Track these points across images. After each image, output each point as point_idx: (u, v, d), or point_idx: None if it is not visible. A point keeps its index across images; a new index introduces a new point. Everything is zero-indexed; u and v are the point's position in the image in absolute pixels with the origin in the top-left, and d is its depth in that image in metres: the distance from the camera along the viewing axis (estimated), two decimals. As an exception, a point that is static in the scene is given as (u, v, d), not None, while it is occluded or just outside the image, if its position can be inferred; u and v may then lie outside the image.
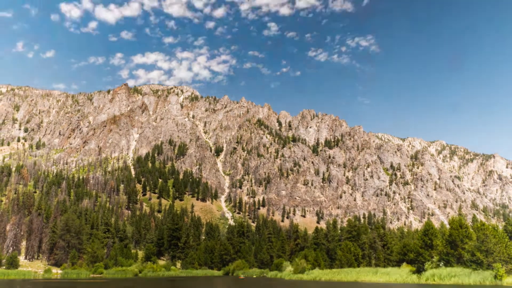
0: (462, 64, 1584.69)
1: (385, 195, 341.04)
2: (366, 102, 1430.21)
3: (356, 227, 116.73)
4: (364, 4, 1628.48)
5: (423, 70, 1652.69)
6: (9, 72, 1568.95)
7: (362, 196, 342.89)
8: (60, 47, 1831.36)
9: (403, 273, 71.33)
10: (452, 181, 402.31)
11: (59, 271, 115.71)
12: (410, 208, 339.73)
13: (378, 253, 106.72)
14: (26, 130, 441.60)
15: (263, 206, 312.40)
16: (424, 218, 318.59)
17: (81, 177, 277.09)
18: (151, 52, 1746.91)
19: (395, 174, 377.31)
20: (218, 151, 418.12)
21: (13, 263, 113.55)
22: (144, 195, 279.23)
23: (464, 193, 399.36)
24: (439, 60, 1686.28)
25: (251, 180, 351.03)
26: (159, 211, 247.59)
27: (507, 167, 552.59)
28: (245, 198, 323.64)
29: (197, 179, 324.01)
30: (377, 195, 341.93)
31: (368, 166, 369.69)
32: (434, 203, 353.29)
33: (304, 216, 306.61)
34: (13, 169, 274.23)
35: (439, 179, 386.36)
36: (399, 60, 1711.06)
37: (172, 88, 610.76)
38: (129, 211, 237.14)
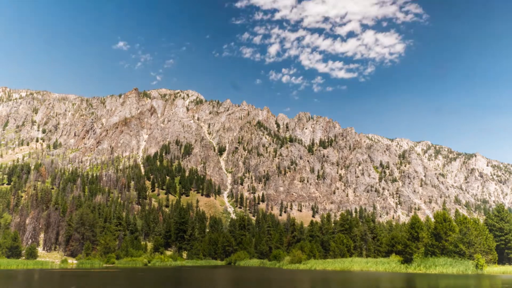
0: (446, 70, 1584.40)
1: (375, 191, 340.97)
2: (358, 105, 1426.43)
3: (348, 221, 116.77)
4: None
5: (411, 74, 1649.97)
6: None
7: (354, 192, 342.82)
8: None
9: (391, 263, 71.49)
10: (437, 178, 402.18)
11: (75, 261, 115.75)
12: (398, 203, 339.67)
13: (368, 245, 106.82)
14: (44, 131, 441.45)
15: (263, 201, 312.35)
16: (411, 212, 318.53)
17: (94, 175, 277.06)
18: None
19: (384, 172, 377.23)
20: (221, 151, 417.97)
21: (32, 254, 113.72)
22: (153, 191, 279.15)
23: (448, 189, 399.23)
24: (425, 65, 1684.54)
25: (251, 177, 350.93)
26: (166, 206, 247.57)
27: (487, 165, 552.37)
28: (246, 194, 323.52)
29: (202, 177, 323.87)
30: (367, 191, 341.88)
31: (359, 165, 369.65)
32: (420, 199, 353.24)
33: (300, 211, 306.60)
34: (32, 167, 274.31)
35: (424, 176, 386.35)
36: (390, 64, 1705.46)
37: (178, 92, 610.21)
38: (139, 206, 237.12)
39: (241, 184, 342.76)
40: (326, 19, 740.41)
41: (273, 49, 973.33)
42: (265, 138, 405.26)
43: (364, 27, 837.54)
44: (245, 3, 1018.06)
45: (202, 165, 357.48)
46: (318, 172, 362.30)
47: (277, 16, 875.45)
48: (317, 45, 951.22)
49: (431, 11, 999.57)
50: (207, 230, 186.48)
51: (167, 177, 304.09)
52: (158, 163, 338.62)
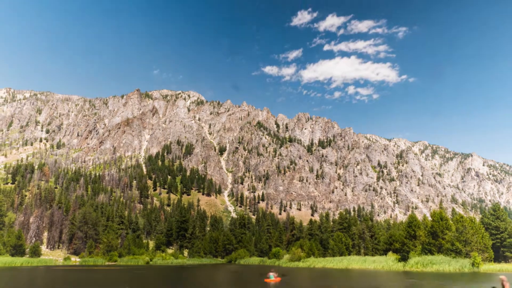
0: (442, 72, 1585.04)
1: (373, 190, 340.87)
2: (356, 106, 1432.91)
3: (347, 219, 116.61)
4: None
5: (408, 77, 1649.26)
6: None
7: (352, 191, 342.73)
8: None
9: (389, 261, 71.36)
10: (434, 178, 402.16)
11: (78, 259, 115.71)
12: (395, 202, 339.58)
13: (366, 243, 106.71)
14: (47, 132, 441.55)
15: (263, 200, 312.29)
16: (408, 211, 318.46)
17: (97, 174, 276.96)
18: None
19: (382, 171, 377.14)
20: (221, 151, 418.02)
21: (36, 252, 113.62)
22: (154, 190, 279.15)
23: (444, 189, 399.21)
24: (422, 68, 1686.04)
25: (251, 177, 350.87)
26: (168, 205, 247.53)
27: (483, 165, 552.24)
28: (246, 193, 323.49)
29: (203, 176, 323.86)
30: (365, 190, 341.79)
31: (357, 164, 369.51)
32: (418, 198, 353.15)
33: (299, 210, 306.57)
34: (36, 166, 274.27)
35: (422, 175, 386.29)
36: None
37: (179, 93, 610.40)
38: (141, 205, 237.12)
39: (241, 183, 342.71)
40: (317, 81, 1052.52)
41: (280, 99, 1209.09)
42: (265, 138, 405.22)
43: (346, 84, 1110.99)
44: (259, 72, 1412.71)
45: (203, 164, 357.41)
46: (317, 172, 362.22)
47: (283, 80, 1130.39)
48: (312, 96, 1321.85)
49: (398, 71, 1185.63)
50: (208, 228, 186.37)
51: (169, 177, 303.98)
52: (160, 162, 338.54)
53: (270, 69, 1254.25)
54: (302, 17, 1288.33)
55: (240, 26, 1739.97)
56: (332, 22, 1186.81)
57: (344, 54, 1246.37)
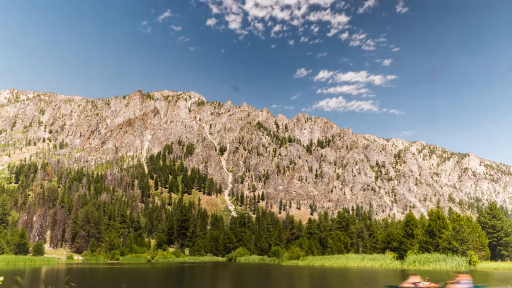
0: (440, 74, 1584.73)
1: (371, 189, 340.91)
2: (355, 106, 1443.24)
3: (345, 218, 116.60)
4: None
5: (406, 78, 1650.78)
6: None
7: (351, 190, 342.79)
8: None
9: (387, 259, 71.42)
10: (431, 177, 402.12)
11: (80, 258, 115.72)
12: (393, 201, 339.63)
13: (365, 242, 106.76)
14: (50, 132, 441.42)
15: (262, 199, 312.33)
16: (406, 210, 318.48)
17: (99, 174, 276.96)
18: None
19: (380, 171, 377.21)
20: (222, 151, 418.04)
21: (39, 251, 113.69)
22: (156, 189, 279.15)
23: (442, 188, 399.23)
24: (420, 69, 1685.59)
25: (251, 176, 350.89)
26: (169, 204, 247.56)
27: (480, 165, 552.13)
28: (246, 193, 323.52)
29: (204, 176, 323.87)
30: (364, 190, 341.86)
31: (356, 164, 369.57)
32: (415, 197, 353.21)
33: (299, 209, 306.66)
34: (39, 166, 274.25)
35: (419, 175, 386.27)
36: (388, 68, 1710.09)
37: (181, 94, 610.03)
38: (143, 204, 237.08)
39: (242, 183, 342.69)
40: (313, 106, 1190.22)
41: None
42: (265, 138, 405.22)
43: (336, 115, 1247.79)
44: (265, 109, 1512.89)
45: (204, 164, 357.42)
46: (316, 171, 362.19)
47: (281, 111, 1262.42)
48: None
49: (378, 106, 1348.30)
50: (209, 227, 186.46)
51: (170, 176, 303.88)
52: (161, 162, 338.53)
53: (275, 107, 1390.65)
54: (300, 73, 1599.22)
55: (251, 71, 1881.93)
56: (322, 75, 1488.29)
57: (332, 95, 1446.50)
